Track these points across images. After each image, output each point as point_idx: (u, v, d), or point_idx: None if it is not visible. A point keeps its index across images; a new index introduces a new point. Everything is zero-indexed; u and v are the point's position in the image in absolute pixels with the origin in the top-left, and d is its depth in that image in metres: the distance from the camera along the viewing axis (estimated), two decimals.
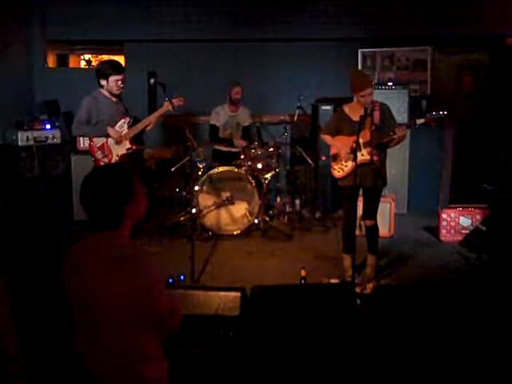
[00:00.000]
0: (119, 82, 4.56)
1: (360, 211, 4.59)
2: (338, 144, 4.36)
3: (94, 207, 1.96)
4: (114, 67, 4.60)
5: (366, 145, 4.18)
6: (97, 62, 8.23)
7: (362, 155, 4.17)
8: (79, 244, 2.04)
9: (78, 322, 1.96)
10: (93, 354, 1.92)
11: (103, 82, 4.56)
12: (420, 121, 4.08)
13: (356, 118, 4.13)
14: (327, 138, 4.47)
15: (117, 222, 1.97)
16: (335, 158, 4.40)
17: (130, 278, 1.88)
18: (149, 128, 4.83)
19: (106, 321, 1.89)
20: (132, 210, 1.98)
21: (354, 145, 4.00)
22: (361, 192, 4.43)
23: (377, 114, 4.22)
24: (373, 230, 4.45)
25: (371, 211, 4.41)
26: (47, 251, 4.96)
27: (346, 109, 4.39)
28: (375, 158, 4.19)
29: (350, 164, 4.25)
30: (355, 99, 4.37)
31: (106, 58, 8.15)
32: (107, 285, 1.88)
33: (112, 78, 4.54)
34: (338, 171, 4.37)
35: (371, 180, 4.25)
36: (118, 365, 1.91)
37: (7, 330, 1.78)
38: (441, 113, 4.02)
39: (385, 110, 4.29)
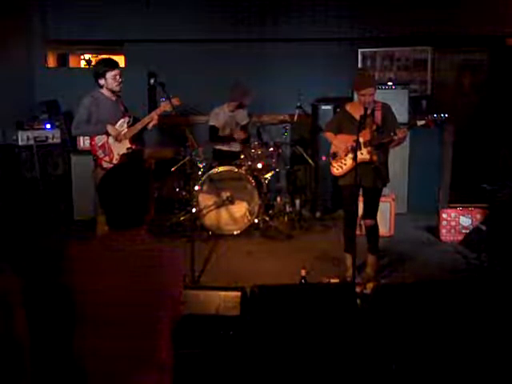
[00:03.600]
0: (117, 77, 4.57)
1: (360, 211, 4.59)
2: (339, 142, 4.37)
3: (123, 204, 1.98)
4: (108, 63, 4.62)
5: (366, 144, 4.19)
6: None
7: (362, 154, 4.17)
8: (97, 242, 2.06)
9: (86, 321, 1.94)
10: (99, 354, 1.91)
11: (102, 81, 4.56)
12: (420, 122, 4.08)
13: (357, 117, 4.14)
14: (329, 136, 4.49)
15: (142, 219, 2.01)
16: (335, 155, 4.41)
17: (157, 274, 1.93)
18: (151, 125, 4.82)
19: (126, 319, 1.90)
20: (152, 208, 2.05)
21: (355, 144, 4.01)
22: (361, 191, 4.44)
23: (378, 114, 4.23)
24: (373, 230, 4.45)
25: (371, 211, 4.41)
26: (47, 251, 4.95)
27: (348, 107, 4.40)
28: (375, 157, 4.20)
29: (349, 162, 4.26)
30: (356, 97, 4.37)
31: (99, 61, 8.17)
32: (134, 283, 1.90)
33: (109, 75, 4.54)
34: (337, 169, 4.38)
35: (371, 180, 4.26)
36: (124, 367, 1.91)
37: (21, 327, 1.77)
38: (441, 115, 4.02)
39: (386, 110, 4.29)
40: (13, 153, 5.99)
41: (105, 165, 4.54)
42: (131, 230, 1.99)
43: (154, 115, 4.78)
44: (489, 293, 3.42)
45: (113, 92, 4.63)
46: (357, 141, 4.00)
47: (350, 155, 4.23)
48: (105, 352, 1.90)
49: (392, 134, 4.11)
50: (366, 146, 4.19)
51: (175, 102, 4.75)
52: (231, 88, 6.09)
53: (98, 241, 2.10)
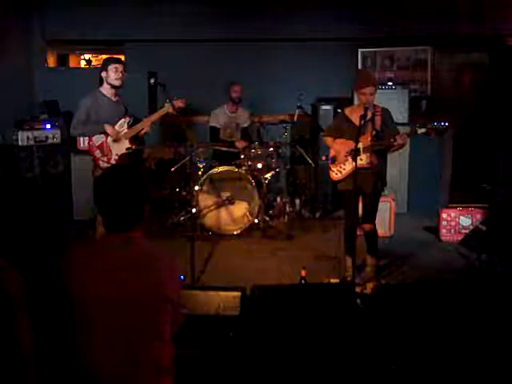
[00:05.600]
0: (118, 70, 4.58)
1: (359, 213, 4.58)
2: (338, 147, 4.36)
3: (117, 207, 1.96)
4: (112, 58, 4.73)
5: (365, 150, 4.15)
6: (97, 62, 8.24)
7: (361, 160, 4.12)
8: (96, 244, 2.06)
9: (86, 322, 1.93)
10: (99, 354, 1.90)
11: (104, 74, 4.59)
12: (421, 130, 4.05)
13: (357, 121, 4.11)
14: (328, 140, 4.48)
15: (138, 221, 2.00)
16: (333, 160, 4.39)
17: (154, 275, 1.92)
18: (143, 131, 4.80)
19: (126, 319, 1.89)
20: (148, 209, 2.03)
21: (354, 149, 3.98)
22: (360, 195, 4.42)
23: (378, 120, 4.20)
24: (372, 234, 4.43)
25: (370, 215, 4.39)
26: (47, 251, 4.95)
27: (348, 111, 4.37)
28: (374, 163, 4.18)
29: (348, 167, 4.25)
30: (356, 99, 4.35)
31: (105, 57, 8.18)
32: (132, 283, 1.90)
33: (111, 67, 4.57)
34: (336, 174, 4.37)
35: (370, 185, 4.23)
36: (128, 366, 1.90)
37: (24, 326, 1.76)
38: (442, 124, 4.00)
39: (386, 115, 4.27)
40: (13, 153, 5.99)
41: (102, 165, 4.53)
42: (127, 232, 1.98)
43: (156, 118, 4.78)
44: (489, 293, 3.42)
45: (113, 88, 4.60)
46: (355, 146, 3.97)
47: (349, 160, 4.22)
48: (104, 353, 1.90)
49: (392, 139, 4.09)
50: (365, 152, 4.16)
51: (179, 103, 4.72)
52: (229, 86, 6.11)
53: (95, 242, 2.10)
